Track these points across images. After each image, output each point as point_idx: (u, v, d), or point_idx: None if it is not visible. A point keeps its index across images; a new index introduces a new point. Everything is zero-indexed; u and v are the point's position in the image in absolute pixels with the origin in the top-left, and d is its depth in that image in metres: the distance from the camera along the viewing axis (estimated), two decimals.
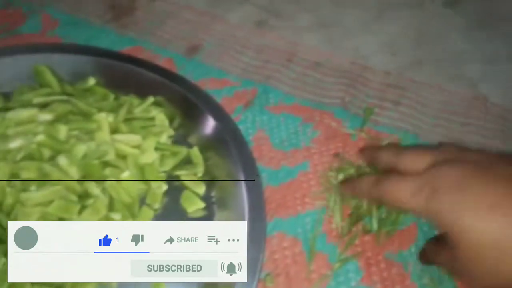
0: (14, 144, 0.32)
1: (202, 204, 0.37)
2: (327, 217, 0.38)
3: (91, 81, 0.43)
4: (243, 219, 0.34)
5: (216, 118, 0.40)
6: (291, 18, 0.58)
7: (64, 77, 0.43)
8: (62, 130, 0.34)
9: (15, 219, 0.30)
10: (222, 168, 0.39)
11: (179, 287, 0.33)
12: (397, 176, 0.32)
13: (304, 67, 0.50)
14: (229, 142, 0.38)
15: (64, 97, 0.39)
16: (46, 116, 0.35)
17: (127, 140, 0.38)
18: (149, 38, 0.52)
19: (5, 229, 0.29)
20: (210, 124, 0.41)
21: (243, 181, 0.35)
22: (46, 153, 0.33)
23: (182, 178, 0.39)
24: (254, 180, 0.35)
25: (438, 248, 0.33)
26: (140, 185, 0.37)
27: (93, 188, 0.33)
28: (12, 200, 0.31)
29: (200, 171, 0.39)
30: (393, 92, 0.48)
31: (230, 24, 0.55)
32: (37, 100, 0.38)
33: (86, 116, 0.37)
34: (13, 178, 0.31)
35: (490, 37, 0.56)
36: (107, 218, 0.33)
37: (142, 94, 0.44)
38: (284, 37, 0.54)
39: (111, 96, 0.43)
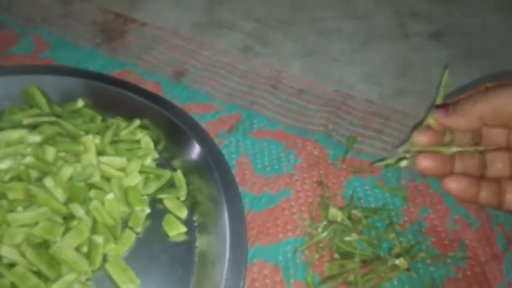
0: (3, 165, 0.33)
1: (184, 229, 0.37)
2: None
3: (80, 103, 0.44)
4: (224, 245, 0.34)
5: (200, 143, 0.41)
6: (276, 45, 0.59)
7: (54, 98, 0.44)
8: (50, 152, 0.35)
9: (1, 240, 0.30)
10: (205, 192, 0.39)
11: None
12: None
13: (288, 94, 0.52)
14: (212, 167, 0.39)
15: (53, 119, 0.39)
16: (35, 138, 0.36)
17: (112, 163, 0.39)
18: (138, 62, 0.53)
19: None
20: (194, 149, 0.41)
21: (225, 207, 0.36)
22: (34, 174, 0.34)
23: (165, 201, 0.39)
24: (236, 206, 0.36)
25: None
26: (123, 208, 0.37)
27: (78, 210, 0.34)
28: None
29: (183, 194, 0.40)
30: (376, 121, 0.49)
31: (217, 50, 0.57)
32: (27, 121, 0.38)
33: (74, 138, 0.38)
34: (1, 198, 0.32)
35: (474, 70, 0.58)
36: (90, 240, 0.33)
37: (129, 117, 0.45)
38: (269, 64, 0.55)
39: (99, 118, 0.44)
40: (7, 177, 0.33)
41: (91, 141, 0.37)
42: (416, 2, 0.69)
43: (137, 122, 0.43)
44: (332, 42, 0.60)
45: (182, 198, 0.40)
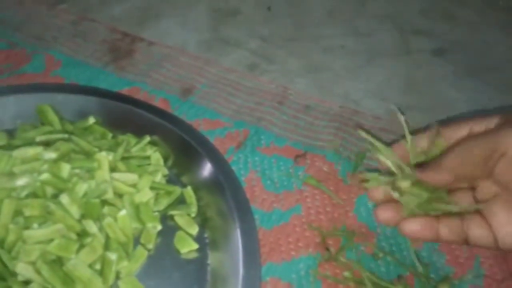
0: (20, 182, 0.33)
1: (195, 246, 0.37)
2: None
3: (91, 120, 0.45)
4: (237, 262, 0.34)
5: (210, 159, 0.42)
6: (282, 62, 0.60)
7: (65, 116, 0.45)
8: (66, 169, 0.35)
9: (16, 256, 0.31)
10: (215, 209, 0.40)
11: None
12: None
13: (295, 110, 0.52)
14: (223, 184, 0.40)
15: (66, 136, 0.40)
16: (51, 155, 0.36)
17: (124, 179, 0.39)
18: (146, 79, 0.54)
19: (6, 267, 0.30)
20: (204, 165, 0.42)
21: (237, 224, 0.36)
22: (50, 191, 0.34)
23: (176, 218, 0.39)
24: (248, 222, 0.36)
25: None
26: (135, 224, 0.37)
27: (92, 226, 0.34)
28: (15, 237, 0.31)
29: (193, 211, 0.40)
30: (384, 137, 0.50)
31: (223, 67, 0.57)
32: (40, 138, 0.39)
33: (87, 154, 0.38)
34: (17, 215, 0.32)
35: (478, 86, 0.58)
36: (103, 257, 0.33)
37: (139, 133, 0.45)
38: (275, 81, 0.56)
39: (109, 135, 0.44)
40: (23, 193, 0.33)
41: (105, 157, 0.38)
42: (417, 20, 0.70)
43: (147, 138, 0.44)
44: (336, 59, 0.61)
45: (193, 215, 0.40)
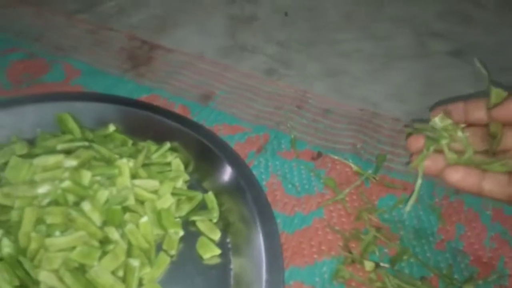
0: (42, 189, 0.33)
1: (218, 251, 0.37)
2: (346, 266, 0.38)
3: (111, 128, 0.45)
4: (260, 267, 0.34)
5: (231, 164, 0.42)
6: (299, 67, 0.60)
7: (85, 124, 0.45)
8: (87, 176, 0.35)
9: (39, 265, 0.31)
10: (237, 214, 0.39)
11: None
12: None
13: (314, 114, 0.52)
14: (245, 189, 0.39)
15: (86, 143, 0.40)
16: (72, 162, 0.36)
17: (145, 185, 0.39)
18: (165, 86, 0.54)
19: (29, 275, 0.30)
20: (225, 170, 0.42)
21: (259, 228, 0.36)
22: (71, 198, 0.34)
23: (198, 223, 0.39)
24: (271, 227, 0.36)
25: None
26: (157, 231, 0.37)
27: (114, 233, 0.34)
28: (37, 245, 0.31)
29: (215, 216, 0.40)
30: (404, 139, 0.49)
31: (241, 73, 0.57)
32: (61, 146, 0.39)
33: (108, 162, 0.38)
34: (39, 223, 0.32)
35: (499, 86, 0.57)
36: (126, 264, 0.33)
37: (159, 140, 0.45)
38: (293, 85, 0.56)
39: (130, 142, 0.44)
40: (45, 201, 0.33)
41: (126, 164, 0.38)
42: (434, 22, 0.69)
43: (168, 145, 0.44)
44: (354, 62, 0.61)
45: (215, 220, 0.40)
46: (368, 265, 0.37)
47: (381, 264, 0.38)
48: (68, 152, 0.38)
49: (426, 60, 0.62)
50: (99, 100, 0.47)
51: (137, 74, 0.56)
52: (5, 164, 0.37)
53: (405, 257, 0.38)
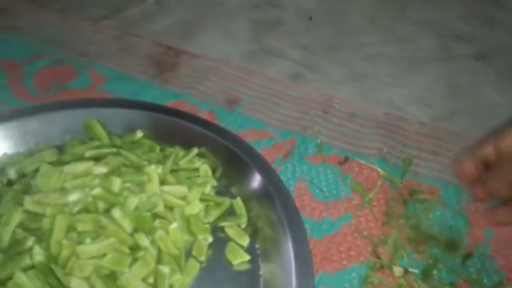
0: (72, 197, 0.34)
1: (247, 257, 0.37)
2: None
3: (139, 134, 0.45)
4: (290, 273, 0.34)
5: (259, 169, 0.41)
6: (324, 71, 0.60)
7: (112, 130, 0.45)
8: (116, 183, 0.36)
9: (71, 272, 0.31)
10: (266, 219, 0.39)
11: None
12: None
13: (340, 118, 0.51)
14: (273, 194, 0.39)
15: (115, 150, 0.40)
16: (101, 169, 0.36)
17: (174, 191, 0.39)
18: (191, 92, 0.55)
19: (61, 282, 0.30)
20: (253, 176, 0.42)
21: (288, 234, 0.36)
22: (101, 205, 0.35)
23: (226, 229, 0.39)
24: (299, 232, 0.36)
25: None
26: (186, 237, 0.37)
27: (144, 240, 0.34)
28: (68, 252, 0.32)
29: (243, 222, 0.40)
30: (430, 143, 0.48)
31: (266, 78, 0.57)
32: (89, 153, 0.40)
33: (137, 168, 0.38)
34: (70, 230, 0.32)
35: None
36: (156, 271, 0.33)
37: (186, 146, 0.45)
38: (319, 90, 0.56)
39: (157, 148, 0.45)
40: (76, 209, 0.34)
41: (155, 171, 0.38)
42: (457, 25, 0.69)
43: (195, 150, 0.44)
44: (379, 66, 0.60)
45: (243, 226, 0.40)
46: (397, 270, 0.37)
47: (410, 269, 0.37)
48: (96, 159, 0.39)
49: (450, 63, 0.61)
50: (127, 106, 0.47)
51: (163, 80, 0.56)
52: (35, 171, 0.37)
53: (434, 264, 0.38)
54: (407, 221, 0.41)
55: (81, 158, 0.39)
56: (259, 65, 0.60)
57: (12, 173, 0.38)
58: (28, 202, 0.33)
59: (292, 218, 0.37)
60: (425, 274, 0.37)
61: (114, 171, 0.37)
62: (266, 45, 0.65)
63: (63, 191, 0.34)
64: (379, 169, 0.45)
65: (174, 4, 0.72)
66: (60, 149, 0.43)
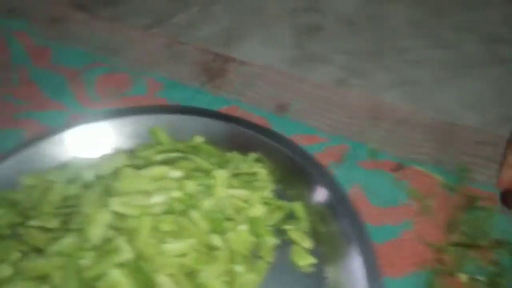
0: (155, 199, 0.36)
1: (313, 259, 0.38)
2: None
3: (199, 139, 0.47)
4: (357, 276, 0.35)
5: (317, 174, 0.43)
6: (370, 76, 0.61)
7: (175, 136, 0.47)
8: (191, 186, 0.37)
9: (156, 269, 0.33)
10: (327, 222, 0.40)
11: None
12: None
13: (390, 124, 0.52)
14: (332, 198, 0.40)
15: (181, 154, 0.42)
16: (177, 173, 0.38)
17: (238, 195, 0.40)
18: (241, 98, 0.56)
19: (148, 278, 0.32)
20: (311, 179, 0.43)
21: (353, 237, 0.37)
22: (179, 207, 0.36)
23: (289, 232, 0.40)
24: (364, 236, 0.37)
25: None
26: (252, 238, 0.39)
27: (218, 240, 0.36)
28: (153, 251, 0.34)
29: (305, 225, 0.41)
30: (484, 149, 0.49)
31: (313, 83, 0.58)
32: (160, 157, 0.41)
33: (205, 172, 0.40)
34: (154, 230, 0.34)
35: None
36: (230, 270, 0.35)
37: (243, 151, 0.47)
38: (366, 95, 0.56)
39: (217, 153, 0.46)
40: (158, 210, 0.36)
41: (222, 174, 0.39)
42: (500, 29, 0.69)
43: (254, 155, 0.45)
44: (425, 71, 0.61)
45: (305, 229, 0.41)
46: (463, 277, 0.38)
47: (476, 277, 0.38)
48: (166, 163, 0.41)
49: (498, 68, 0.61)
50: (185, 112, 0.49)
51: (213, 86, 0.58)
52: (111, 174, 0.39)
53: (502, 271, 0.38)
54: (469, 227, 0.41)
55: (152, 162, 0.41)
56: (303, 70, 0.62)
57: (89, 176, 0.40)
58: (115, 204, 0.35)
59: (354, 221, 0.39)
60: (492, 282, 0.38)
61: (187, 175, 0.38)
62: (308, 50, 0.66)
63: (146, 193, 0.36)
64: (435, 176, 0.46)
65: (217, 11, 0.74)
66: (130, 153, 0.45)
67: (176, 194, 0.36)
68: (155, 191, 0.36)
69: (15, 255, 0.35)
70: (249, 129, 0.48)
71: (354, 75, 0.60)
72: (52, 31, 0.64)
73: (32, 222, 0.37)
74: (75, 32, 0.65)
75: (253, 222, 0.40)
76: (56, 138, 0.44)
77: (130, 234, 0.34)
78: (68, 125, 0.45)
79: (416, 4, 0.72)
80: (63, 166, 0.42)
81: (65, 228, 0.36)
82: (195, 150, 0.46)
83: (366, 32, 0.68)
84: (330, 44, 0.67)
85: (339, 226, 0.39)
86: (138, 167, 0.40)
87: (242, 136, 0.47)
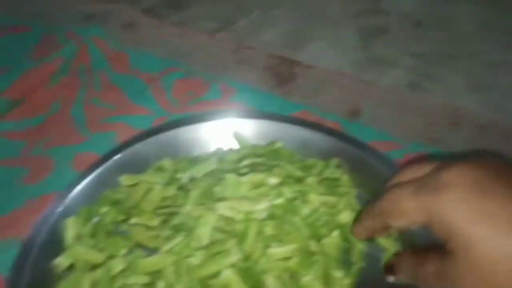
0: (260, 206, 0.37)
1: None
2: None
3: (278, 144, 0.47)
4: None
5: None
6: (444, 80, 0.60)
7: (254, 140, 0.48)
8: (288, 193, 0.38)
9: (263, 271, 0.34)
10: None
11: None
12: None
13: (470, 131, 0.52)
14: None
15: (276, 162, 0.43)
16: (274, 180, 0.39)
17: (328, 201, 0.41)
18: (312, 102, 0.57)
19: (257, 279, 0.33)
20: None
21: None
22: (279, 213, 0.37)
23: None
24: None
25: (418, 260, 0.30)
26: (343, 244, 0.39)
27: (316, 246, 0.36)
28: (259, 253, 0.35)
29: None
30: None
31: (384, 87, 0.58)
32: (246, 162, 0.43)
33: (297, 179, 0.41)
34: (259, 234, 0.35)
35: None
36: (329, 274, 0.36)
37: (323, 157, 0.47)
38: (442, 100, 0.56)
39: (297, 158, 0.47)
40: (262, 216, 0.37)
41: (314, 181, 0.40)
42: None
43: (335, 161, 0.46)
44: (501, 75, 0.60)
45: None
46: None
47: None
48: (255, 169, 0.42)
49: None
50: (265, 118, 0.50)
51: (283, 91, 0.59)
52: (204, 176, 0.41)
53: None
54: None
55: (238, 168, 0.42)
56: (372, 74, 0.62)
57: (185, 178, 0.42)
58: (221, 208, 0.36)
59: None
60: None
61: (283, 182, 0.39)
62: (376, 53, 0.66)
63: (252, 200, 0.37)
64: None
65: (278, 15, 0.75)
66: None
67: (279, 201, 0.37)
68: (259, 197, 0.37)
69: (123, 251, 0.37)
70: (327, 135, 0.48)
71: (426, 78, 0.60)
72: (125, 36, 0.66)
73: (135, 220, 0.39)
74: (147, 37, 0.67)
75: (343, 228, 0.40)
76: (149, 141, 0.45)
77: (238, 237, 0.35)
78: (160, 128, 0.47)
79: (485, 4, 0.71)
80: (160, 168, 0.43)
81: (165, 226, 0.38)
82: (276, 155, 0.47)
83: (434, 34, 0.68)
84: (398, 46, 0.66)
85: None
86: (227, 171, 0.41)
87: (322, 142, 0.48)
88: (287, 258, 0.35)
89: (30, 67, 0.58)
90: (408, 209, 0.28)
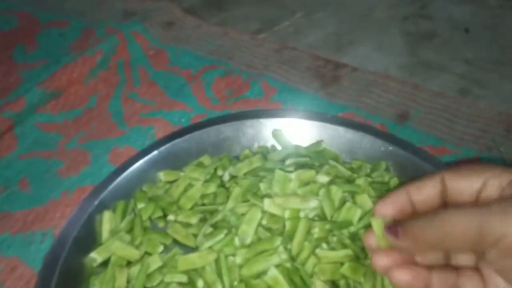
0: (311, 204, 0.34)
1: None
2: None
3: (323, 144, 0.45)
4: None
5: None
6: (495, 87, 0.57)
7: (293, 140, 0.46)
8: (338, 193, 0.36)
9: (311, 273, 0.32)
10: None
11: None
12: None
13: None
14: None
15: (304, 159, 0.41)
16: (324, 178, 0.37)
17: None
18: (358, 105, 0.54)
19: (303, 281, 0.31)
20: None
21: None
22: (329, 213, 0.35)
23: None
24: None
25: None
26: None
27: (363, 252, 0.34)
28: (307, 254, 0.33)
29: None
30: None
31: (433, 92, 0.55)
32: (290, 161, 0.40)
33: (347, 180, 0.38)
34: (309, 234, 0.33)
35: None
36: (382, 282, 0.33)
37: (371, 159, 0.45)
38: (493, 107, 0.53)
39: (341, 159, 0.45)
40: (311, 215, 0.34)
41: (366, 183, 0.37)
42: None
43: (384, 164, 0.43)
44: None
45: None
46: None
47: None
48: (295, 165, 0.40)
49: None
50: (309, 118, 0.48)
51: (327, 93, 0.57)
52: (246, 174, 0.39)
53: None
54: None
55: (282, 166, 0.40)
56: (421, 78, 0.59)
57: (226, 176, 0.40)
58: (269, 205, 0.34)
59: None
60: None
61: (333, 181, 0.37)
62: (423, 58, 0.63)
63: (303, 197, 0.35)
64: None
65: (321, 16, 0.73)
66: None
67: (328, 201, 0.35)
68: (309, 195, 0.35)
69: (161, 248, 0.35)
70: (377, 137, 0.46)
71: (477, 85, 0.57)
72: (166, 34, 0.65)
73: (173, 217, 0.37)
74: (187, 35, 0.66)
75: None
76: (189, 137, 0.44)
77: (284, 236, 0.33)
78: (200, 125, 0.46)
79: None
80: (200, 165, 0.42)
81: (205, 224, 0.36)
82: (320, 156, 0.45)
83: (484, 40, 0.64)
84: (446, 52, 0.63)
85: None
86: (271, 170, 0.39)
87: (369, 145, 0.46)
88: (338, 263, 0.32)
89: (70, 60, 0.57)
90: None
